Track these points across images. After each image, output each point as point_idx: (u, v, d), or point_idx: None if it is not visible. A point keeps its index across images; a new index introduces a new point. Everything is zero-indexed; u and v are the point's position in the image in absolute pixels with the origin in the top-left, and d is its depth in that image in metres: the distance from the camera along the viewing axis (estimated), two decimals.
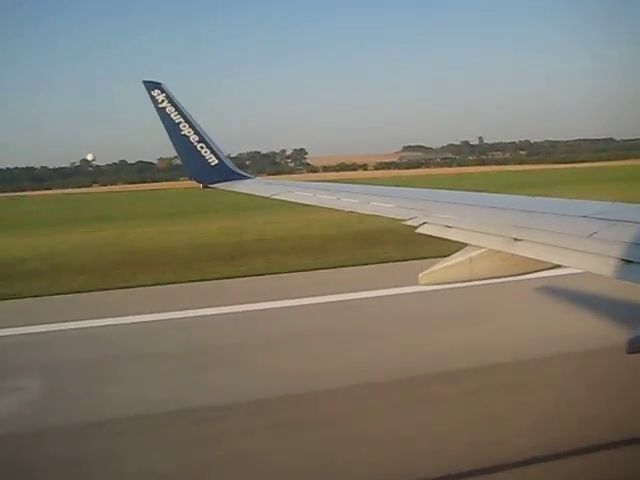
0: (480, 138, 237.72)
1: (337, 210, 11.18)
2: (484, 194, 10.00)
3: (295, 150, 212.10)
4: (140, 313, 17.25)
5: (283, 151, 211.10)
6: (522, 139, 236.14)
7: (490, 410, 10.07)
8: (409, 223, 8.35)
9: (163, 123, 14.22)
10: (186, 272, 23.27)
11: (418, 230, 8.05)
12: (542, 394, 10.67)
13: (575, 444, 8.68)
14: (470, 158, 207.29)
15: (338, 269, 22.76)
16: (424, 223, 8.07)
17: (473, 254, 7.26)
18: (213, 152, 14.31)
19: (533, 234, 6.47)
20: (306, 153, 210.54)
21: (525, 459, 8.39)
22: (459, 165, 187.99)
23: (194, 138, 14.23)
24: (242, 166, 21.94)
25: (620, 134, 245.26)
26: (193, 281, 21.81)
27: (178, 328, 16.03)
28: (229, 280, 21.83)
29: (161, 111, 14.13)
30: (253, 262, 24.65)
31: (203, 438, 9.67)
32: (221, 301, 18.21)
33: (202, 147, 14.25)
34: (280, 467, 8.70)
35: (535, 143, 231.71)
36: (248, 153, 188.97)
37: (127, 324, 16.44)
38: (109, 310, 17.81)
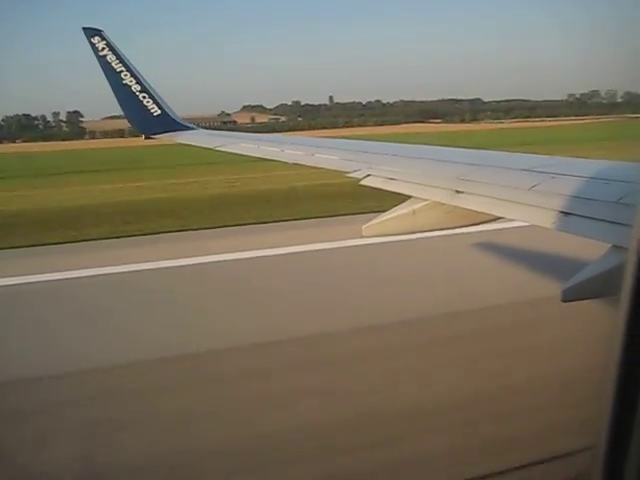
0: (330, 97, 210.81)
1: (281, 162, 11.07)
2: (429, 147, 9.99)
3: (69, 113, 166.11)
4: None
5: (56, 114, 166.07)
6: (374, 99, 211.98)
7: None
8: (353, 175, 8.31)
9: (103, 72, 13.81)
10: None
11: (362, 182, 8.02)
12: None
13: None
14: (300, 119, 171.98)
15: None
16: (368, 175, 8.04)
17: (416, 206, 7.26)
18: (156, 102, 13.98)
19: (475, 187, 6.49)
20: (82, 116, 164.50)
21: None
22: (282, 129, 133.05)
23: (136, 88, 13.86)
24: None
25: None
26: None
27: None
28: None
29: (101, 59, 13.71)
30: None
31: None
32: None
33: (144, 97, 13.90)
34: None
35: (387, 104, 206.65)
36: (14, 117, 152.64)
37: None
38: None
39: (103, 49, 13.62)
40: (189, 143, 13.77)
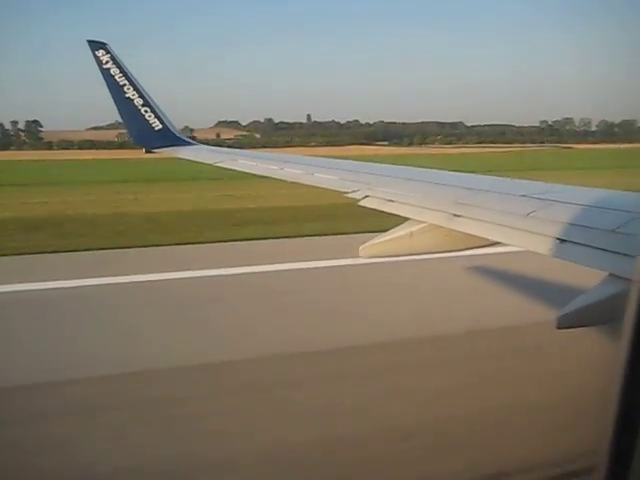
0: (308, 116, 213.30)
1: (280, 180, 11.08)
2: (427, 170, 10.04)
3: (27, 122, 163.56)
4: None
5: (14, 123, 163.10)
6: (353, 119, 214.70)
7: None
8: (351, 196, 8.34)
9: (107, 85, 13.88)
10: None
11: (360, 203, 8.05)
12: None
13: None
14: (257, 137, 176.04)
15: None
16: (366, 196, 8.07)
17: (414, 228, 7.28)
18: (157, 116, 14.04)
19: (473, 211, 6.52)
20: (41, 126, 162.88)
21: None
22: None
23: (138, 101, 13.92)
24: None
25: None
26: None
27: None
28: None
29: (105, 72, 13.77)
30: None
31: None
32: None
33: (146, 111, 13.96)
34: None
35: (366, 124, 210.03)
36: None
37: None
38: None
39: (107, 62, 13.69)
40: (189, 158, 13.80)
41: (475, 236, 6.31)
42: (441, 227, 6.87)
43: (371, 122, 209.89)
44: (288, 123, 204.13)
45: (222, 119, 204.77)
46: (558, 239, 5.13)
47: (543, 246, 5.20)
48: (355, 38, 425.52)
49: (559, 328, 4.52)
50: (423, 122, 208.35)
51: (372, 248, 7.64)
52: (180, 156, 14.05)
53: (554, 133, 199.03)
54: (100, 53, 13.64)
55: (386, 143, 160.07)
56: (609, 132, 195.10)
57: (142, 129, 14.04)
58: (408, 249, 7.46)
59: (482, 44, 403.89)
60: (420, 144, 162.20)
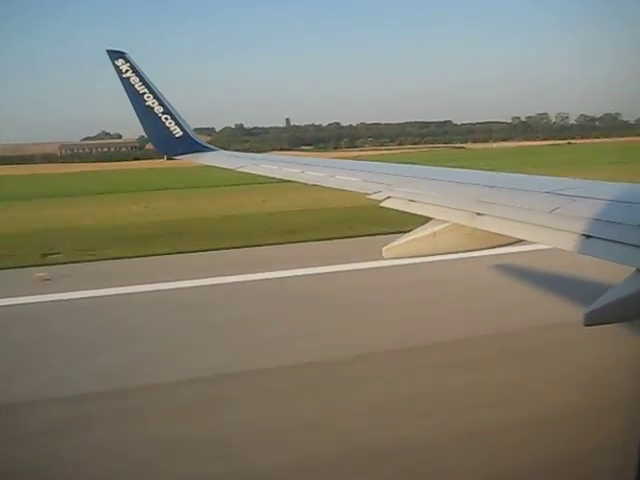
0: (287, 119, 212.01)
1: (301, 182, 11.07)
2: (450, 169, 10.00)
3: None
4: None
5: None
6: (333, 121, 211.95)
7: None
8: (373, 197, 8.32)
9: (127, 93, 13.96)
10: None
11: (382, 204, 8.03)
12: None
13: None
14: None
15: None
16: (388, 197, 8.05)
17: (437, 228, 7.26)
18: (177, 123, 14.10)
19: (496, 209, 6.48)
20: None
21: None
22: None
23: (158, 109, 13.99)
24: None
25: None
26: None
27: None
28: None
29: (125, 81, 13.85)
30: None
31: None
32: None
33: (167, 118, 14.03)
34: None
35: (327, 126, 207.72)
36: None
37: None
38: None
39: (127, 71, 13.77)
40: (211, 164, 13.87)
41: (499, 234, 6.28)
42: (464, 226, 6.84)
43: (354, 124, 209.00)
44: (263, 128, 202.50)
45: (198, 126, 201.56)
46: (583, 235, 5.08)
47: (568, 242, 5.16)
48: (337, 40, 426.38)
49: (587, 325, 4.47)
50: (407, 122, 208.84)
51: (395, 249, 7.62)
52: (202, 162, 14.13)
53: (526, 130, 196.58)
54: (120, 62, 13.72)
55: (311, 148, 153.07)
56: (589, 127, 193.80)
57: (163, 137, 14.11)
58: (432, 249, 7.44)
59: (466, 42, 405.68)
60: (347, 147, 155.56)
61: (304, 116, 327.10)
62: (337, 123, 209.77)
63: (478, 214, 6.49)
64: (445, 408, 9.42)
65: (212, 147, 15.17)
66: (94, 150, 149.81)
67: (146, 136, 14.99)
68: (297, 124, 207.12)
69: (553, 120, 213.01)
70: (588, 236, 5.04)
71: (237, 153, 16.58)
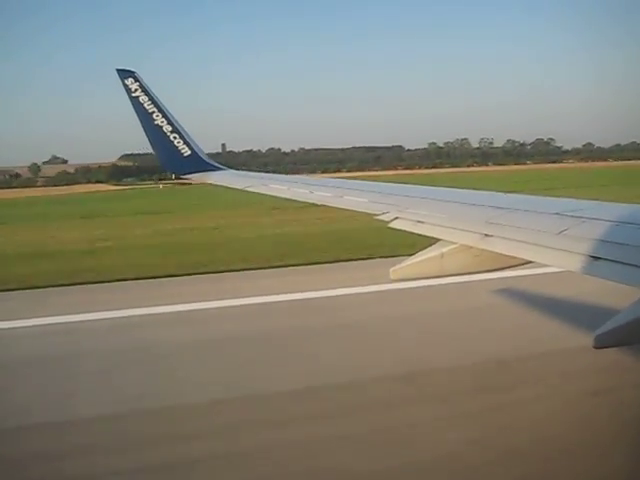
0: (223, 145, 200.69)
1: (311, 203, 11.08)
2: (456, 190, 9.98)
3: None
4: None
5: None
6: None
7: None
8: (381, 218, 8.32)
9: (136, 112, 14.05)
10: None
11: (390, 225, 8.02)
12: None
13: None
14: None
15: None
16: (396, 218, 8.04)
17: (445, 249, 7.24)
18: (186, 143, 14.19)
19: (504, 230, 6.47)
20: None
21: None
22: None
23: (167, 128, 14.08)
24: None
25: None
26: None
27: None
28: None
29: (134, 100, 13.96)
30: None
31: None
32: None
33: (175, 137, 14.12)
34: None
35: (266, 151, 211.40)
36: None
37: None
38: None
39: (136, 90, 13.87)
40: (219, 183, 13.92)
41: (507, 256, 6.25)
42: (472, 247, 6.82)
43: (295, 149, 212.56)
44: None
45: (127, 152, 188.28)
46: (591, 257, 5.06)
47: (576, 264, 5.14)
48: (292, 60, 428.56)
49: (596, 347, 4.44)
50: (354, 147, 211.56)
51: (403, 270, 7.61)
52: (211, 181, 14.18)
53: (441, 156, 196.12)
54: (129, 81, 13.83)
55: (131, 180, 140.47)
56: (515, 153, 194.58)
57: (171, 155, 14.20)
58: (439, 270, 7.43)
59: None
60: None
61: (240, 142, 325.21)
62: (278, 148, 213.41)
63: (486, 235, 6.47)
64: None
65: (221, 166, 15.23)
66: None
67: (154, 154, 15.07)
68: (233, 150, 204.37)
69: (476, 145, 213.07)
70: (596, 257, 5.02)
71: (245, 173, 16.63)
